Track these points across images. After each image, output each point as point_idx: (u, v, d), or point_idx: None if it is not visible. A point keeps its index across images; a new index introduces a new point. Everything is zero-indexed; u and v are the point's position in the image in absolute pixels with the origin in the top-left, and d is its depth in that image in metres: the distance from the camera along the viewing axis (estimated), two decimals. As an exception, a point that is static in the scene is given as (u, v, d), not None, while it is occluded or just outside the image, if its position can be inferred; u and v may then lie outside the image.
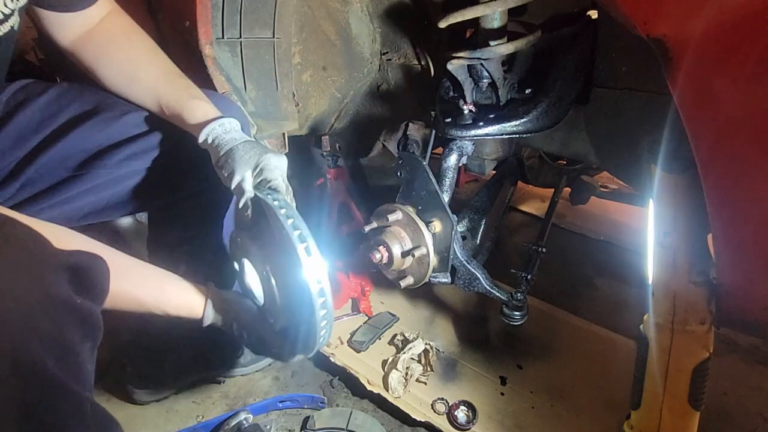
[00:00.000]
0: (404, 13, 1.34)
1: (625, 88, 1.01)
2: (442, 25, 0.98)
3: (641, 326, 0.93)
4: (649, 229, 0.87)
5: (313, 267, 0.80)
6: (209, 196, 1.14)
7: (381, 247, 1.12)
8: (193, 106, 0.99)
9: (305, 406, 1.34)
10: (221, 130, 0.96)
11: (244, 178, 0.89)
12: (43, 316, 0.52)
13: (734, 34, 0.57)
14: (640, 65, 0.96)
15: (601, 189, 1.98)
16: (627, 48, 0.97)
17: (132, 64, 1.04)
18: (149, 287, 0.88)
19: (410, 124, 1.32)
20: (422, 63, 1.37)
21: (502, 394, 1.34)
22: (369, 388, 1.33)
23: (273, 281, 0.87)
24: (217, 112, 0.99)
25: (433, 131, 1.23)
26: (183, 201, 1.14)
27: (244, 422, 1.24)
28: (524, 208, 2.21)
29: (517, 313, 1.24)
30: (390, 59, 1.42)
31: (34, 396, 0.51)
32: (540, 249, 1.34)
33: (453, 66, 1.06)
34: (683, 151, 0.71)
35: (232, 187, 0.90)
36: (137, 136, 1.02)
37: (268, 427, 1.26)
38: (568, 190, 1.87)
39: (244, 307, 0.94)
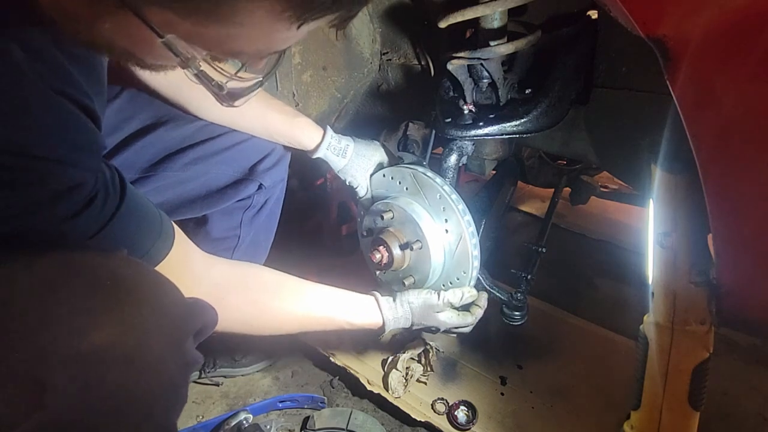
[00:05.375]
0: (404, 13, 1.34)
1: (625, 88, 1.01)
2: (442, 25, 0.98)
3: (641, 326, 0.93)
4: (649, 229, 0.87)
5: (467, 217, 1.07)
6: (258, 200, 1.19)
7: (381, 247, 1.12)
8: (301, 123, 1.15)
9: (305, 406, 1.34)
10: (335, 142, 1.17)
11: (363, 185, 1.21)
12: (181, 382, 0.58)
13: (734, 34, 0.57)
14: (640, 65, 0.96)
15: (601, 189, 1.98)
16: (627, 48, 0.97)
17: None
18: (336, 306, 1.03)
19: (410, 124, 1.32)
20: (422, 63, 1.37)
21: (502, 394, 1.34)
22: (369, 388, 1.33)
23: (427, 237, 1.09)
24: (317, 126, 1.17)
25: (433, 131, 1.23)
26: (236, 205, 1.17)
27: (244, 422, 1.24)
28: (524, 208, 2.21)
29: (517, 313, 1.24)
30: (390, 59, 1.42)
31: None
32: (540, 249, 1.34)
33: (453, 66, 1.06)
34: (683, 151, 0.71)
35: (356, 188, 1.21)
36: (203, 141, 1.07)
37: (268, 427, 1.26)
38: (568, 190, 1.86)
39: (412, 299, 1.07)
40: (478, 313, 1.13)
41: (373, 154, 1.22)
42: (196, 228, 1.20)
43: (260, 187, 1.16)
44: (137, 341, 0.52)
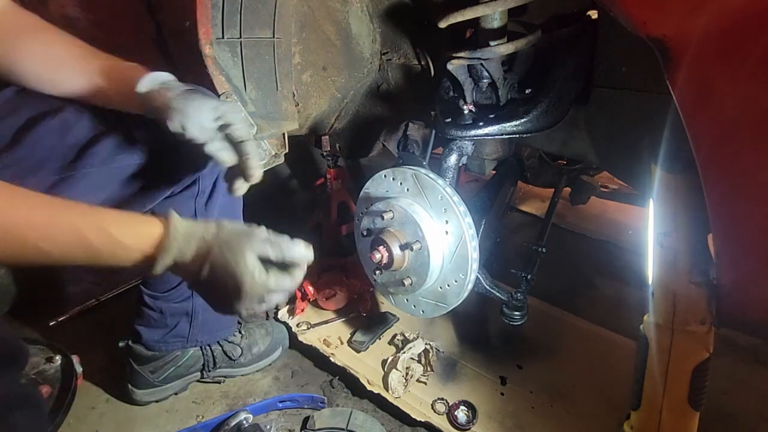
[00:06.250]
0: (404, 13, 1.34)
1: (625, 88, 1.01)
2: (442, 25, 0.98)
3: (641, 326, 0.93)
4: (649, 229, 0.87)
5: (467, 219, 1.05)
6: (205, 184, 1.10)
7: (381, 247, 1.12)
8: (135, 67, 0.93)
9: (305, 406, 1.34)
10: (164, 78, 0.91)
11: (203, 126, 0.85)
12: None
13: (734, 34, 0.57)
14: (640, 65, 0.96)
15: (601, 189, 1.98)
16: (627, 48, 0.97)
17: (63, 50, 0.95)
18: (78, 219, 0.70)
19: (410, 124, 1.32)
20: (422, 63, 1.37)
21: (502, 394, 1.34)
22: (369, 388, 1.34)
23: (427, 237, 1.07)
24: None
25: (433, 131, 1.23)
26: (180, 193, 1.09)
27: (244, 422, 1.24)
28: (524, 208, 2.21)
29: (517, 313, 1.24)
30: (390, 59, 1.42)
31: None
32: (540, 249, 1.34)
33: (453, 66, 1.06)
34: (683, 151, 0.71)
35: (193, 135, 0.84)
36: (113, 128, 0.96)
37: (268, 427, 1.27)
38: (568, 190, 1.87)
39: (227, 231, 0.75)
40: (298, 276, 0.80)
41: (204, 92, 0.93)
42: None
43: (197, 167, 1.04)
44: None
